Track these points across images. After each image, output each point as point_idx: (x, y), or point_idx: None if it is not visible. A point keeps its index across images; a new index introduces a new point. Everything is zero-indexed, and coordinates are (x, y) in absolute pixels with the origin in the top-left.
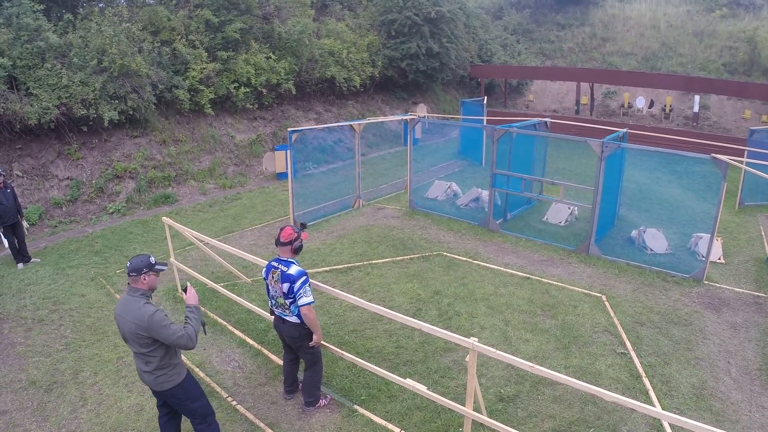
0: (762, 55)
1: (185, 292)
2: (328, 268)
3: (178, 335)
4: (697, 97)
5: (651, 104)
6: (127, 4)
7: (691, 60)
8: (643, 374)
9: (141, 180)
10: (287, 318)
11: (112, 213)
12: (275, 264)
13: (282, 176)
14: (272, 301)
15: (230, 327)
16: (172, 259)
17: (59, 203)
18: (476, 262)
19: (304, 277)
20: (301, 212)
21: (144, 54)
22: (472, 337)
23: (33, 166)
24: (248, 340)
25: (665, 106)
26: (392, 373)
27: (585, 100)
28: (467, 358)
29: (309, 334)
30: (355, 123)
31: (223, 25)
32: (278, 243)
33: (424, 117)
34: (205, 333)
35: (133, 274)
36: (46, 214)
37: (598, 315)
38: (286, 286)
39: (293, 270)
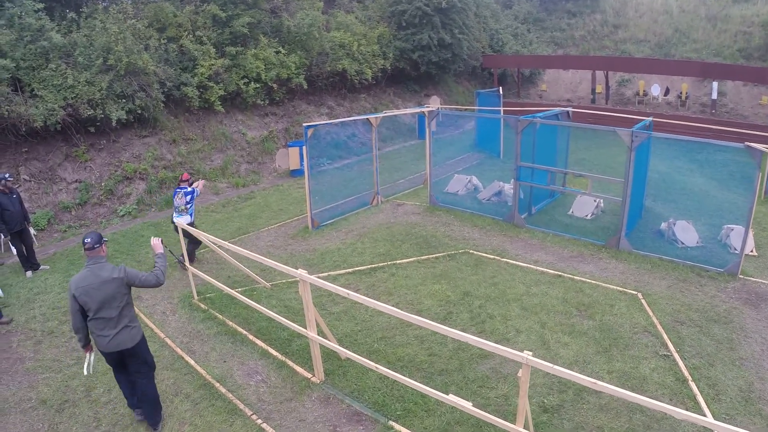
0: None
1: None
2: (351, 270)
3: (149, 275)
4: (715, 84)
5: (666, 92)
6: (131, 1)
7: (705, 46)
8: (689, 378)
9: (151, 181)
10: (181, 220)
11: (123, 216)
12: (179, 189)
13: (296, 173)
14: (176, 210)
15: (251, 336)
16: (187, 265)
17: (68, 207)
18: (504, 259)
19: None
20: (318, 210)
21: (150, 51)
22: (525, 351)
23: (40, 169)
24: (271, 350)
25: (681, 93)
26: (427, 384)
27: (599, 88)
28: (520, 373)
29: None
30: (371, 117)
31: (230, 20)
32: (181, 181)
33: (439, 109)
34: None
35: (97, 245)
36: (55, 219)
37: (636, 314)
38: (188, 197)
39: (189, 190)
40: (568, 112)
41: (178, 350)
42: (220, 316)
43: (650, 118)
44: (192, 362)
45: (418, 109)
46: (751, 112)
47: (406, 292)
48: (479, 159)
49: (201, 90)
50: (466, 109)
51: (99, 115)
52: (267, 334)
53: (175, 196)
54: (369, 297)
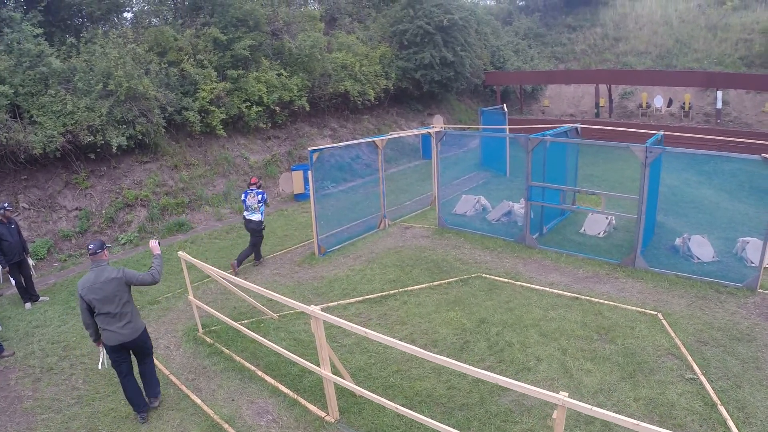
0: None
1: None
2: (360, 298)
3: (145, 275)
4: (719, 93)
5: (670, 103)
6: (131, 25)
7: (706, 55)
8: (718, 402)
9: (153, 208)
10: (253, 217)
11: (124, 244)
12: (250, 191)
13: (300, 197)
14: (248, 209)
15: (260, 372)
16: (190, 297)
17: (68, 235)
18: (519, 283)
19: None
20: (325, 235)
21: (151, 76)
22: (561, 392)
23: (40, 197)
24: (281, 387)
25: (684, 104)
26: (448, 420)
27: (603, 102)
28: (554, 415)
29: (262, 229)
30: (377, 139)
31: (231, 43)
32: (251, 185)
33: (443, 128)
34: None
35: (99, 251)
36: (55, 248)
37: (658, 336)
38: (260, 197)
39: (259, 191)
40: (576, 128)
41: (183, 388)
42: (227, 351)
43: (661, 132)
44: (198, 401)
45: (424, 130)
46: (755, 120)
47: (420, 321)
48: (485, 178)
49: (202, 114)
50: (468, 128)
51: (99, 142)
52: (277, 370)
53: (247, 197)
54: (381, 327)
